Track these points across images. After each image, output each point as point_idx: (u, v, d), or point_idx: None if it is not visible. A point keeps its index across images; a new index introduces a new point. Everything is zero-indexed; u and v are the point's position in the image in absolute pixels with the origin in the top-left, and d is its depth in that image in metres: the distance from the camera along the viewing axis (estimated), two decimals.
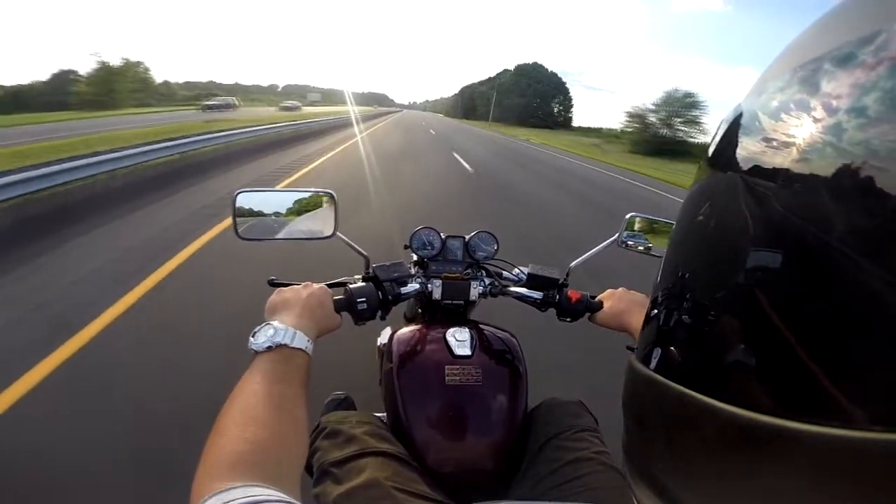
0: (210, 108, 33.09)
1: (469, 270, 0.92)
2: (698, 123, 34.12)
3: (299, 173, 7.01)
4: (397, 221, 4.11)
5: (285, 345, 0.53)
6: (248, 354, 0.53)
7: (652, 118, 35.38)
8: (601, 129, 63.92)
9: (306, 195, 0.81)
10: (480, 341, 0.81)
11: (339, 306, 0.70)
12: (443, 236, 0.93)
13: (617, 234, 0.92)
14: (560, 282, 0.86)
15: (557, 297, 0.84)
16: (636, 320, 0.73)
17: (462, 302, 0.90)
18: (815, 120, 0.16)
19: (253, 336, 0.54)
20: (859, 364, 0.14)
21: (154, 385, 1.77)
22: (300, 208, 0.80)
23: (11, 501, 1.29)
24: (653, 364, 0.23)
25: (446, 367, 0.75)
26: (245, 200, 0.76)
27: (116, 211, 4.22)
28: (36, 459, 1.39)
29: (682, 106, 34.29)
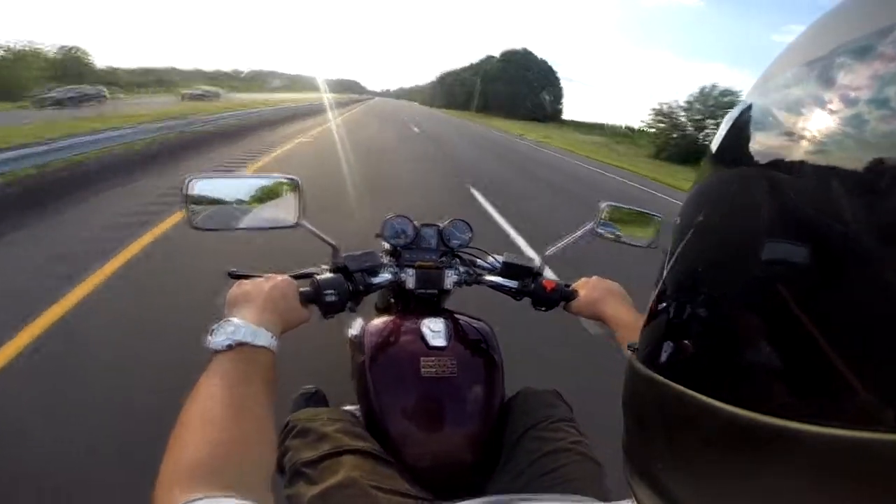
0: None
1: (443, 259, 0.90)
2: None
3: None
4: None
5: (247, 342, 0.49)
6: None
7: (682, 118, 29.23)
8: (602, 125, 54.97)
9: (268, 182, 0.77)
10: (455, 331, 0.79)
11: (306, 299, 0.66)
12: (416, 224, 0.91)
13: (592, 223, 0.92)
14: (535, 270, 0.86)
15: (533, 285, 0.83)
16: (610, 308, 0.74)
17: (436, 291, 0.88)
18: (835, 112, 0.16)
19: (211, 334, 0.49)
20: (892, 363, 0.13)
21: None
22: (262, 196, 0.76)
23: None
24: (661, 360, 0.22)
25: (421, 358, 0.73)
26: (200, 187, 0.71)
27: None
28: None
29: (719, 106, 27.40)
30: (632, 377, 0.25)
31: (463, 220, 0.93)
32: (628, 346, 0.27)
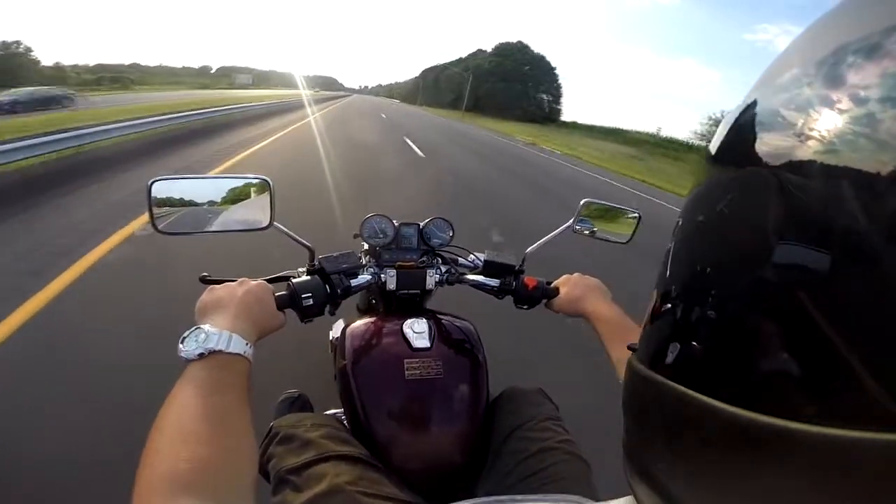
0: None
1: (424, 259, 0.89)
2: None
3: None
4: None
5: (220, 350, 0.47)
6: None
7: None
8: (620, 130, 44.85)
9: (239, 183, 0.74)
10: (439, 332, 0.78)
11: (282, 303, 0.64)
12: (395, 224, 0.89)
13: (571, 220, 0.93)
14: (516, 268, 0.85)
15: (514, 284, 0.83)
16: (592, 305, 0.74)
17: (418, 291, 0.86)
18: (845, 111, 0.16)
19: (182, 342, 0.47)
20: None
21: None
22: (233, 197, 0.73)
23: None
24: (662, 360, 0.22)
25: (405, 360, 0.72)
26: (164, 189, 0.68)
27: None
28: None
29: None
30: (632, 377, 0.25)
31: (443, 219, 0.91)
32: (628, 346, 0.27)
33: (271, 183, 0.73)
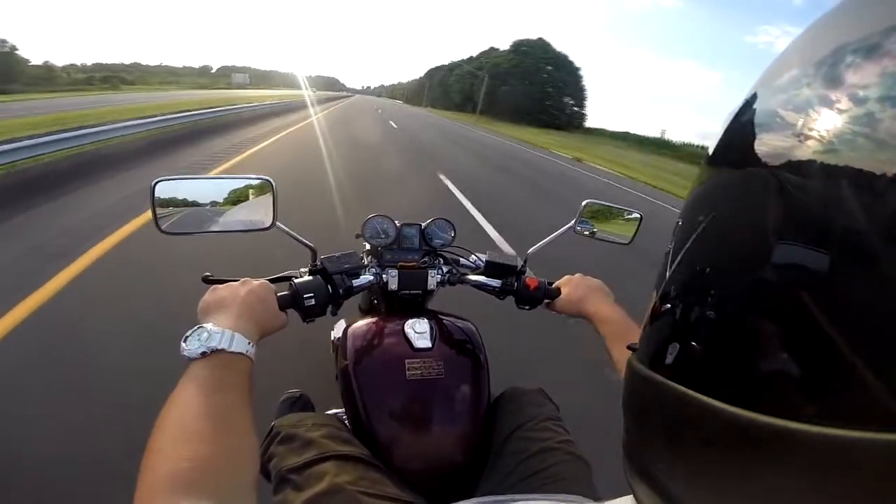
0: None
1: (426, 259, 0.89)
2: None
3: None
4: None
5: (222, 349, 0.47)
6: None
7: None
8: (669, 141, 38.57)
9: (240, 183, 0.74)
10: (440, 332, 0.78)
11: (284, 303, 0.64)
12: (397, 224, 0.89)
13: (573, 221, 0.93)
14: (518, 269, 0.85)
15: (516, 284, 0.83)
16: (593, 306, 0.74)
17: (420, 292, 0.87)
18: (844, 111, 0.16)
19: (184, 341, 0.48)
20: None
21: None
22: (235, 198, 0.73)
23: None
24: (662, 360, 0.22)
25: (407, 360, 0.72)
26: (168, 190, 0.68)
27: None
28: None
29: None
30: (632, 377, 0.25)
31: (445, 219, 0.91)
32: (628, 346, 0.27)
33: (273, 183, 0.74)
